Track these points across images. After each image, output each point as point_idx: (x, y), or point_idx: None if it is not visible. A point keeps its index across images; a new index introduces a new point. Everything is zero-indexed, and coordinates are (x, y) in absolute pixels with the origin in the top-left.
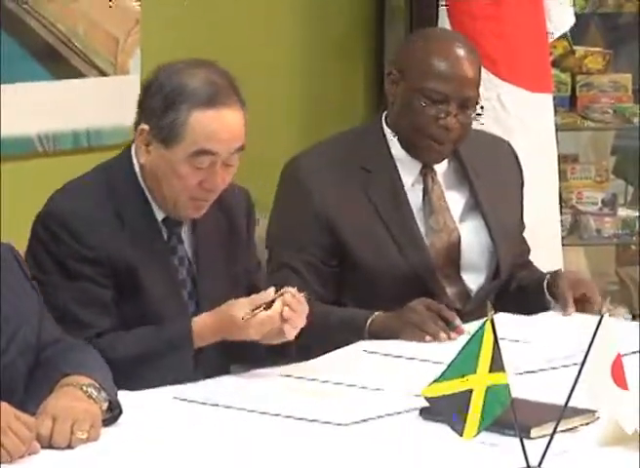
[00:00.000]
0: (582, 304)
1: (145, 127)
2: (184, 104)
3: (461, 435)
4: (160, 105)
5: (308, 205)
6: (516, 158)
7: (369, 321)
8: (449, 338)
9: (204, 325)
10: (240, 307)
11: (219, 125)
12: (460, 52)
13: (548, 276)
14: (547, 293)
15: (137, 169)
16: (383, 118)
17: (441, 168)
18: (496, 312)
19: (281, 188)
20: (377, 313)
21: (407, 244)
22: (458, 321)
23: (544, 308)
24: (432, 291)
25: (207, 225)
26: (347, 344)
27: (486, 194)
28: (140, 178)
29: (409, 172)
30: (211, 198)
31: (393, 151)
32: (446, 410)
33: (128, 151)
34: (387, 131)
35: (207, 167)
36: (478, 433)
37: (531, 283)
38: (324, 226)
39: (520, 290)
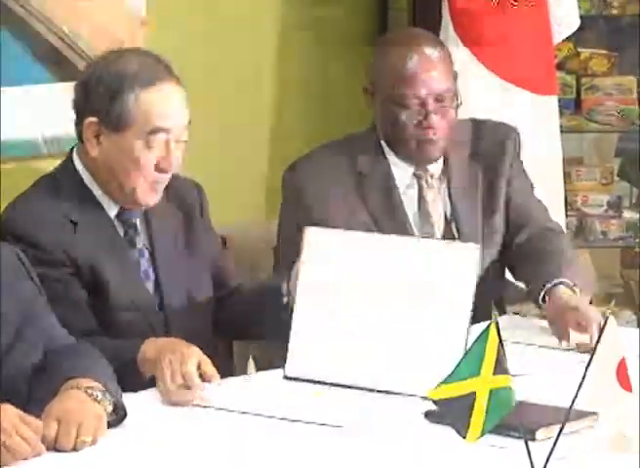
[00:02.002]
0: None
1: (93, 119)
2: (130, 88)
3: (465, 437)
4: (105, 96)
5: (306, 211)
6: (517, 142)
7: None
8: None
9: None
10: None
11: (167, 101)
12: (421, 50)
13: (544, 293)
14: (542, 307)
15: (80, 171)
16: (377, 126)
17: (437, 170)
18: (500, 314)
19: (283, 194)
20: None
21: None
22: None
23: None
24: None
25: (160, 214)
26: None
27: (464, 199)
28: (85, 180)
29: (403, 175)
30: (166, 180)
31: (388, 156)
32: (450, 413)
33: (69, 157)
34: (381, 136)
35: (162, 147)
36: (481, 436)
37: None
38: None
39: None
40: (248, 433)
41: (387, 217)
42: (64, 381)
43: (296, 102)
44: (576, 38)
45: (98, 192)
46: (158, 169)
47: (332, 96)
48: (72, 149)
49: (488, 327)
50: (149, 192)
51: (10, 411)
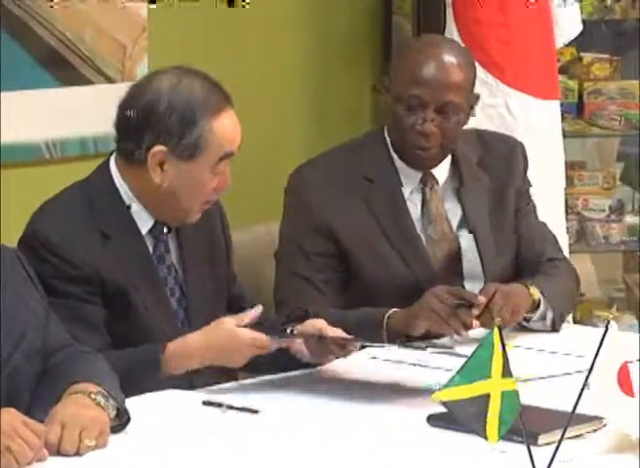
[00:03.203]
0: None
1: (162, 148)
2: (202, 117)
3: (485, 438)
4: (178, 125)
5: (311, 215)
6: (524, 155)
7: (386, 316)
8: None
9: (194, 343)
10: (233, 324)
11: (233, 126)
12: (442, 56)
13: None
14: None
15: (118, 184)
16: (386, 127)
17: (442, 176)
18: None
19: (286, 199)
20: (393, 309)
21: (409, 254)
22: (476, 309)
23: None
24: None
25: (189, 231)
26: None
27: (478, 204)
28: (123, 194)
29: (409, 180)
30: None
31: (394, 160)
32: (463, 415)
33: (106, 166)
34: (389, 140)
35: (223, 168)
36: (500, 436)
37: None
38: (328, 234)
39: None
40: (254, 437)
41: (392, 222)
42: (68, 386)
43: (296, 109)
44: (578, 43)
45: (135, 207)
46: (215, 190)
47: (333, 102)
48: (108, 159)
49: (491, 332)
50: (199, 212)
51: (13, 415)
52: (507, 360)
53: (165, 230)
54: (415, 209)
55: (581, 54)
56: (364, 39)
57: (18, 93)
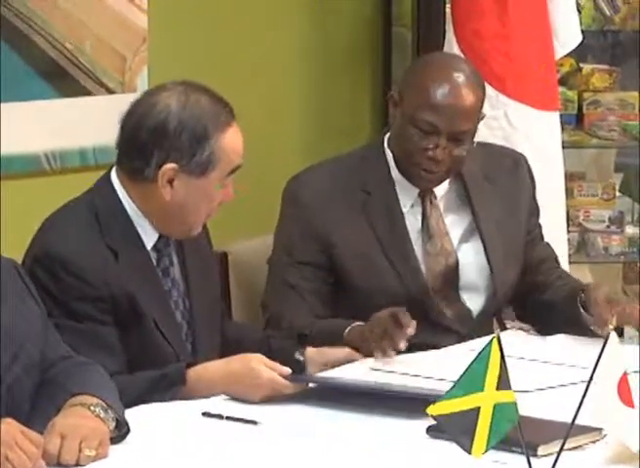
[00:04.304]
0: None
1: (174, 166)
2: (213, 133)
3: (470, 452)
4: (189, 143)
5: (307, 224)
6: (529, 171)
7: (346, 331)
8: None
9: (216, 371)
10: (257, 361)
11: (239, 139)
12: (458, 81)
13: (582, 292)
14: (582, 309)
15: (122, 199)
16: (385, 140)
17: (441, 190)
18: (502, 330)
19: (282, 206)
20: (355, 324)
21: (402, 267)
22: (410, 329)
23: (578, 322)
24: (429, 313)
25: (190, 244)
26: None
27: (488, 213)
28: (128, 209)
29: (407, 194)
30: None
31: (393, 173)
32: (454, 428)
33: (108, 180)
34: (388, 152)
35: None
36: (486, 450)
37: (562, 297)
38: (322, 245)
39: (552, 304)
40: (253, 448)
41: (388, 235)
42: (68, 398)
43: (297, 119)
44: (577, 54)
45: (140, 221)
46: (220, 202)
47: (334, 113)
48: (109, 174)
49: (490, 342)
50: (201, 226)
51: (11, 426)
52: (505, 371)
53: (169, 243)
54: (415, 222)
55: (581, 65)
56: (364, 50)
57: (17, 104)
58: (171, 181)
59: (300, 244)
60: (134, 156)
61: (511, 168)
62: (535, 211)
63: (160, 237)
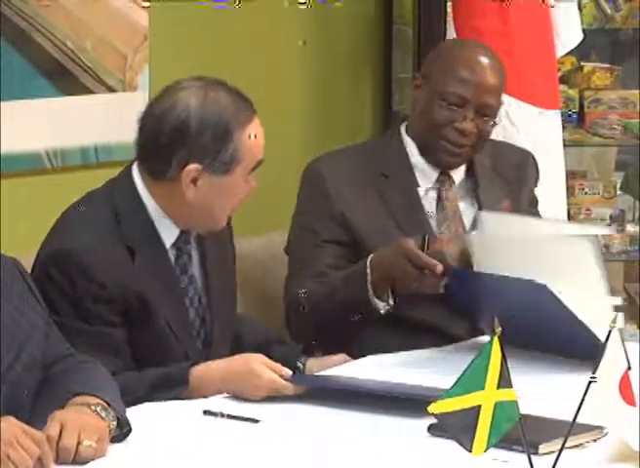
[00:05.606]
0: None
1: (198, 166)
2: (236, 130)
3: (470, 451)
4: (213, 141)
5: (327, 204)
6: (537, 170)
7: (368, 262)
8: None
9: (217, 370)
10: (259, 362)
11: (260, 133)
12: (484, 60)
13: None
14: None
15: (143, 197)
16: (403, 127)
17: (458, 177)
18: None
19: (302, 189)
20: (371, 255)
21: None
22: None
23: None
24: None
25: (210, 239)
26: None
27: (493, 206)
28: (149, 207)
29: (425, 179)
30: None
31: (412, 159)
32: (454, 427)
33: (129, 178)
34: (406, 139)
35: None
36: (487, 449)
37: None
38: (343, 224)
39: None
40: (255, 446)
41: (407, 217)
42: (69, 397)
43: (298, 118)
44: (578, 52)
45: (160, 220)
46: (244, 197)
47: (334, 111)
48: (130, 170)
49: (490, 341)
50: (227, 219)
51: (12, 424)
52: (506, 369)
53: (189, 240)
54: (430, 206)
55: (582, 63)
56: (365, 48)
57: (18, 102)
58: (194, 181)
59: (322, 222)
60: (155, 156)
61: (518, 162)
62: (534, 201)
63: (180, 234)
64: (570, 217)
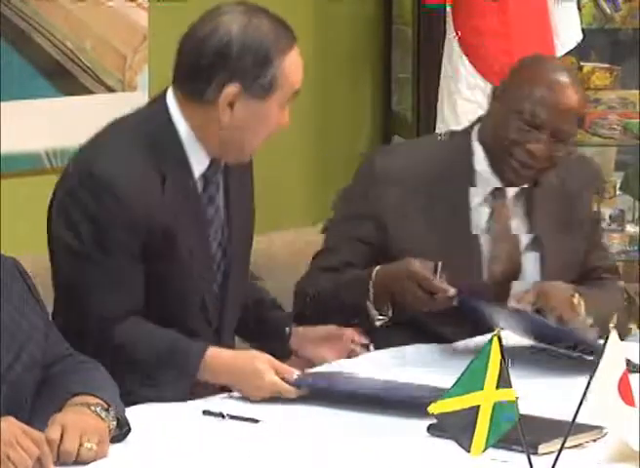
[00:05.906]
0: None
1: (237, 88)
2: (276, 55)
3: (469, 451)
4: (252, 65)
5: (364, 202)
6: (599, 176)
7: (374, 272)
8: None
9: (224, 361)
10: (264, 362)
11: (300, 62)
12: (567, 82)
13: None
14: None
15: (177, 122)
16: (475, 131)
17: (512, 192)
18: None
19: (353, 178)
20: (379, 266)
21: (463, 268)
22: (451, 292)
23: None
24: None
25: (237, 171)
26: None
27: (549, 225)
28: (181, 133)
29: (482, 189)
30: None
31: (477, 166)
32: (453, 427)
33: (162, 102)
34: (476, 144)
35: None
36: (485, 449)
37: None
38: (375, 225)
39: None
40: (255, 446)
41: (451, 235)
42: (69, 398)
43: (298, 118)
44: (578, 52)
45: (192, 146)
46: (276, 128)
47: (335, 111)
48: (164, 94)
49: (490, 341)
50: (256, 150)
51: (12, 424)
52: (506, 370)
53: (218, 170)
54: (479, 220)
55: (581, 63)
56: (365, 48)
57: (18, 102)
58: (231, 104)
59: (355, 220)
60: (194, 77)
61: (583, 176)
62: (597, 217)
63: (211, 164)
64: None
